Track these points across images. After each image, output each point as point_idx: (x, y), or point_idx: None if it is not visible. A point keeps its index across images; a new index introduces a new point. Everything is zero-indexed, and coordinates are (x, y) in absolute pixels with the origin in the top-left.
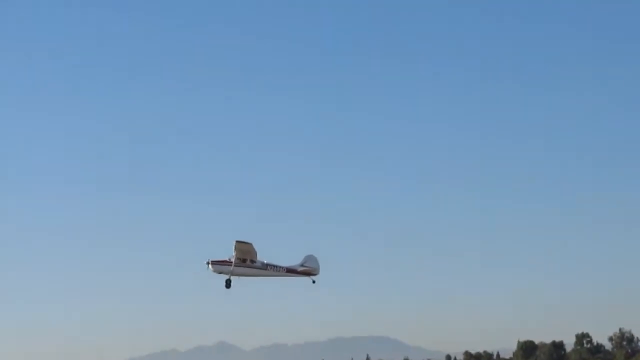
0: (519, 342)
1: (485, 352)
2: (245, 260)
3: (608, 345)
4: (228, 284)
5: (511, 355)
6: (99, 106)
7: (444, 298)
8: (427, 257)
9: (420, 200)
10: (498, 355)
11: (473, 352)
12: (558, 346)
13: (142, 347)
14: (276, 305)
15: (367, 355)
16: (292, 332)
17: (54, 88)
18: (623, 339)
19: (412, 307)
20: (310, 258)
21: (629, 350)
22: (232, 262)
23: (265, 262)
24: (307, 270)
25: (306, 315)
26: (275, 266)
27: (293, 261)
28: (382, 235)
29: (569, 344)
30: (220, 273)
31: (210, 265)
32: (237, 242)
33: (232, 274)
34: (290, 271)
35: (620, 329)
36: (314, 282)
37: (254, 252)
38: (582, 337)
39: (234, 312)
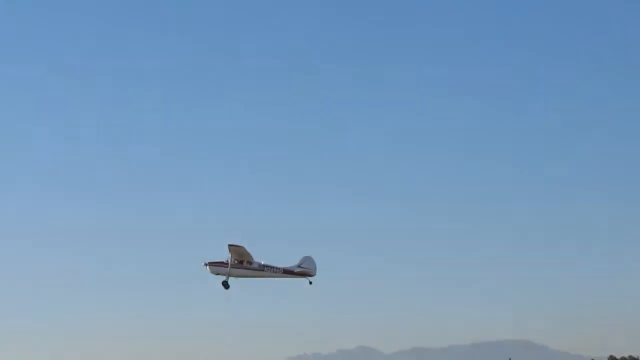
0: None
1: (630, 356)
2: (242, 262)
3: None
4: (225, 285)
5: None
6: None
7: (588, 302)
8: (578, 259)
9: None
10: None
11: (618, 356)
12: None
13: (288, 349)
14: (417, 308)
15: (510, 359)
16: (434, 335)
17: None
18: None
19: (557, 311)
20: (307, 259)
21: None
22: (228, 264)
23: (262, 263)
24: (304, 271)
25: (449, 319)
26: (272, 267)
27: (290, 262)
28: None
29: None
30: (217, 274)
31: (207, 267)
32: (230, 245)
33: (229, 275)
34: (287, 272)
35: None
36: (310, 283)
37: (247, 254)
38: None
39: (375, 317)
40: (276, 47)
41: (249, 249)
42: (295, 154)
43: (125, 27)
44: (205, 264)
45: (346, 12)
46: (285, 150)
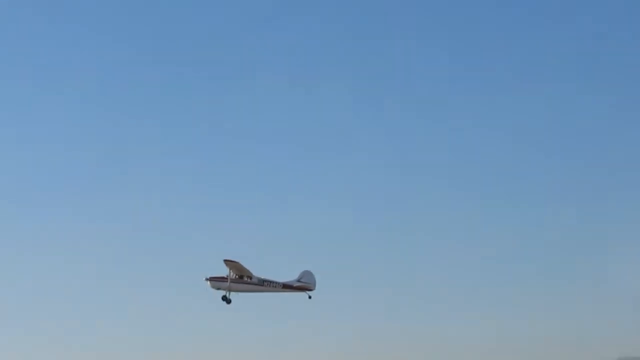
0: None
1: None
2: (242, 277)
3: None
4: (227, 300)
5: None
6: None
7: None
8: None
9: None
10: None
11: None
12: None
13: None
14: None
15: None
16: None
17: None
18: None
19: None
20: (306, 273)
21: None
22: (228, 279)
23: (262, 278)
24: (303, 285)
25: None
26: (271, 282)
27: (290, 276)
28: None
29: None
30: (218, 289)
31: (208, 282)
32: (225, 260)
33: (230, 290)
34: (287, 287)
35: None
36: (310, 297)
37: (245, 269)
38: None
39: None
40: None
41: (246, 264)
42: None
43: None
44: (206, 279)
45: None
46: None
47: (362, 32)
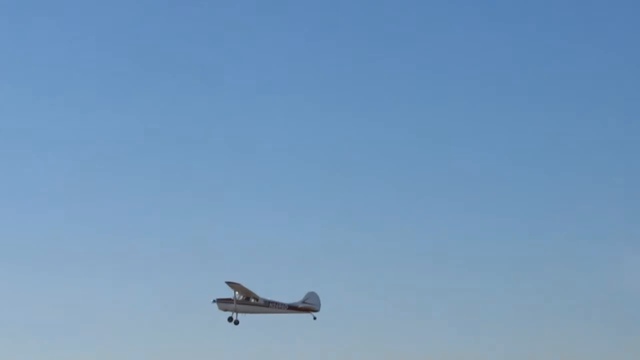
0: None
1: None
2: (248, 298)
3: None
4: (234, 322)
5: None
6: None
7: None
8: None
9: None
10: None
11: None
12: None
13: None
14: None
15: None
16: None
17: None
18: None
19: None
20: (311, 295)
21: None
22: (234, 300)
23: (268, 299)
24: (308, 307)
25: None
26: (277, 303)
27: (295, 297)
28: None
29: None
30: (225, 310)
31: (216, 303)
32: (227, 282)
33: (236, 311)
34: (292, 308)
35: None
36: (314, 318)
37: (249, 290)
38: None
39: None
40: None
41: (250, 286)
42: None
43: None
44: (214, 301)
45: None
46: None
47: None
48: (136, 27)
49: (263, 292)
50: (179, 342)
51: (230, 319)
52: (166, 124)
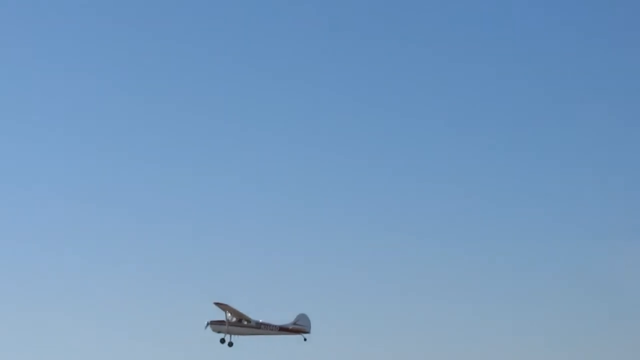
0: None
1: None
2: (240, 320)
3: None
4: (228, 343)
5: None
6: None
7: None
8: None
9: None
10: None
11: None
12: None
13: None
14: None
15: None
16: None
17: None
18: None
19: None
20: (302, 317)
21: None
22: (226, 322)
23: (260, 321)
24: (298, 328)
25: None
26: (268, 325)
27: (285, 319)
28: None
29: None
30: (219, 332)
31: (210, 326)
32: (215, 303)
33: (229, 333)
34: (283, 329)
35: None
36: (305, 339)
37: (238, 311)
38: None
39: None
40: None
41: (239, 307)
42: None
43: None
44: (208, 323)
45: None
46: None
47: None
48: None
49: (253, 315)
50: None
51: (222, 341)
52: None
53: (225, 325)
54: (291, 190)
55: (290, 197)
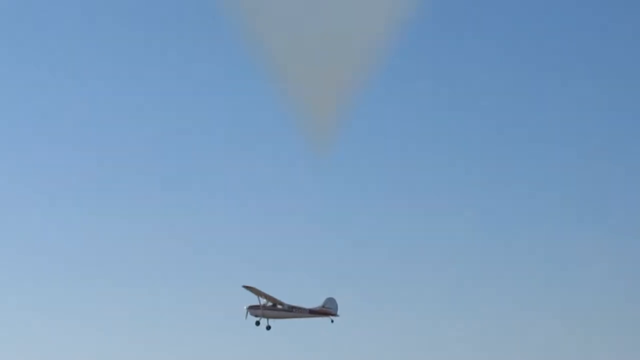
0: None
1: None
2: (274, 305)
3: None
4: (266, 327)
5: None
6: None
7: None
8: None
9: None
10: None
11: None
12: None
13: None
14: None
15: None
16: None
17: None
18: None
19: None
20: (330, 300)
21: None
22: (261, 306)
23: (291, 304)
24: (327, 310)
25: None
26: (299, 308)
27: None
28: None
29: None
30: (256, 316)
31: (248, 310)
32: (244, 286)
33: (264, 316)
34: (313, 312)
35: None
36: (332, 321)
37: (268, 295)
38: None
39: None
40: None
41: (267, 290)
42: None
43: None
44: (246, 307)
45: None
46: None
47: None
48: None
49: (284, 298)
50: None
51: (257, 323)
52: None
53: (260, 309)
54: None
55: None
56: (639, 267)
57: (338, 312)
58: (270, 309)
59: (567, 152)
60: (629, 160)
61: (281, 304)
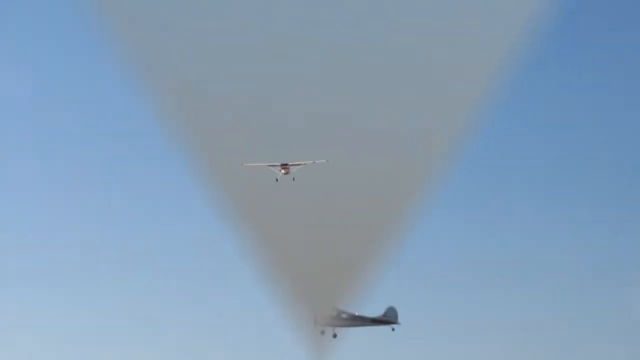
0: None
1: None
2: (339, 314)
3: None
4: (333, 335)
5: None
6: None
7: None
8: None
9: None
10: None
11: None
12: None
13: None
14: None
15: None
16: None
17: None
18: None
19: None
20: (390, 309)
21: None
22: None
23: (356, 314)
24: (388, 319)
25: None
26: (363, 317)
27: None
28: None
29: None
30: (322, 326)
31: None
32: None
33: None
34: (375, 321)
35: None
36: (393, 330)
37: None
38: None
39: None
40: None
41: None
42: None
43: None
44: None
45: None
46: None
47: None
48: None
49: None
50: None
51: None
52: None
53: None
54: None
55: None
56: None
57: (399, 321)
58: (337, 319)
59: None
60: None
61: (345, 313)
